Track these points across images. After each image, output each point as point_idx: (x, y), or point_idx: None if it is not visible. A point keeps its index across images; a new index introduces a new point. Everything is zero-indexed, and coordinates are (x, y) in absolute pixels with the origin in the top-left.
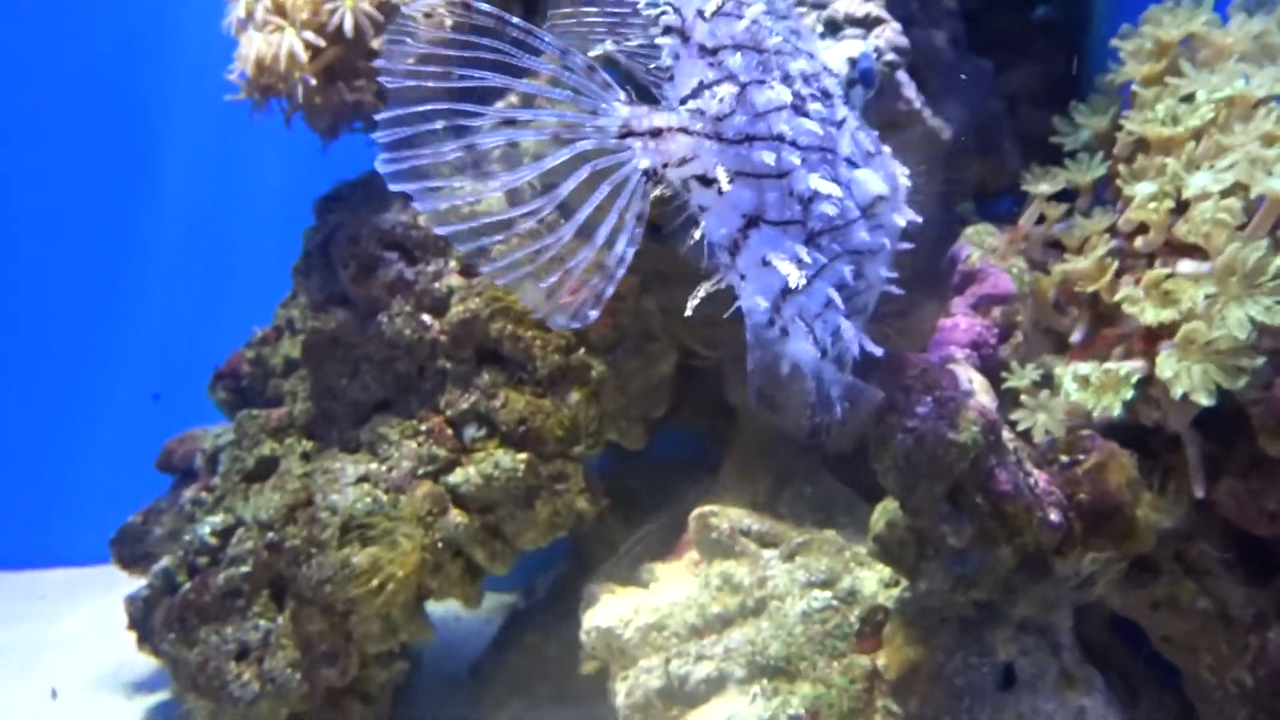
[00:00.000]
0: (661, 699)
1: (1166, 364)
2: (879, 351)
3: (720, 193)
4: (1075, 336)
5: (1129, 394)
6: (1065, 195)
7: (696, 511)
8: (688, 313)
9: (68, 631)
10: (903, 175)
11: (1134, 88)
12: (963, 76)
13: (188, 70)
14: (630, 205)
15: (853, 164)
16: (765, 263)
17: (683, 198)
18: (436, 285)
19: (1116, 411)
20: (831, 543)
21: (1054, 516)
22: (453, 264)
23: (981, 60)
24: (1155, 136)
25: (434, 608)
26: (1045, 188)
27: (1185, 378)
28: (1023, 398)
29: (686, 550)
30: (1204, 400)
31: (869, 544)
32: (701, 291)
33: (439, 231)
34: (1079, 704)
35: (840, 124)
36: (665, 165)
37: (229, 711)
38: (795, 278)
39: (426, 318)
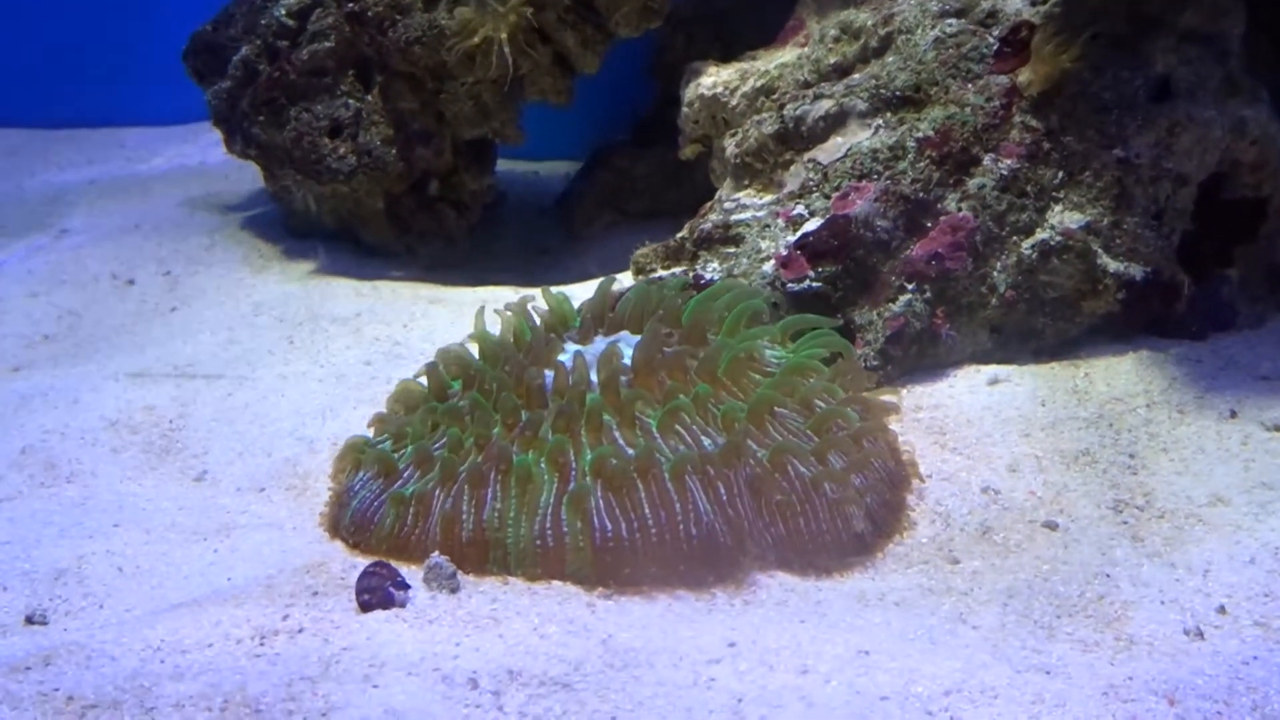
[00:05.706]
0: (775, 142)
1: None
2: None
3: None
4: None
5: None
6: None
7: None
8: None
9: (153, 169)
10: None
11: None
12: None
13: None
14: None
15: None
16: None
17: None
18: None
19: None
20: None
21: None
22: None
23: None
24: None
25: (512, 165)
26: None
27: None
28: None
29: (791, 36)
30: None
31: None
32: None
33: None
34: (1240, 114)
35: None
36: None
37: (327, 188)
38: None
39: None
